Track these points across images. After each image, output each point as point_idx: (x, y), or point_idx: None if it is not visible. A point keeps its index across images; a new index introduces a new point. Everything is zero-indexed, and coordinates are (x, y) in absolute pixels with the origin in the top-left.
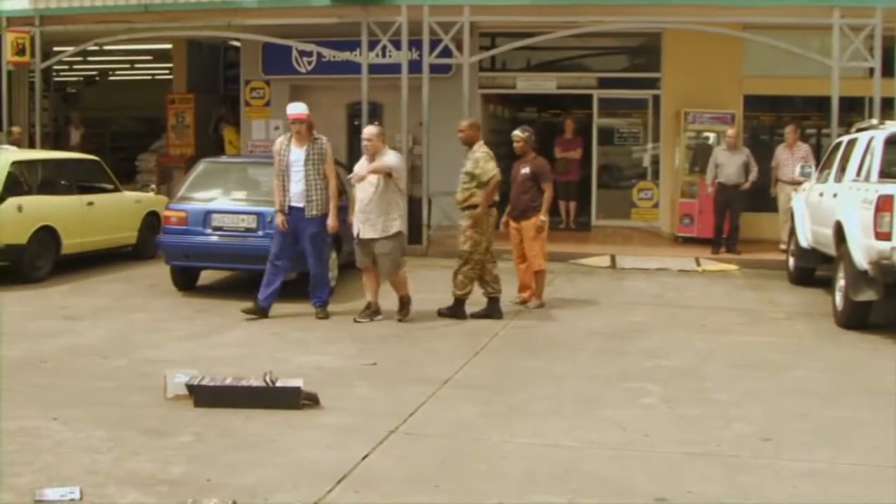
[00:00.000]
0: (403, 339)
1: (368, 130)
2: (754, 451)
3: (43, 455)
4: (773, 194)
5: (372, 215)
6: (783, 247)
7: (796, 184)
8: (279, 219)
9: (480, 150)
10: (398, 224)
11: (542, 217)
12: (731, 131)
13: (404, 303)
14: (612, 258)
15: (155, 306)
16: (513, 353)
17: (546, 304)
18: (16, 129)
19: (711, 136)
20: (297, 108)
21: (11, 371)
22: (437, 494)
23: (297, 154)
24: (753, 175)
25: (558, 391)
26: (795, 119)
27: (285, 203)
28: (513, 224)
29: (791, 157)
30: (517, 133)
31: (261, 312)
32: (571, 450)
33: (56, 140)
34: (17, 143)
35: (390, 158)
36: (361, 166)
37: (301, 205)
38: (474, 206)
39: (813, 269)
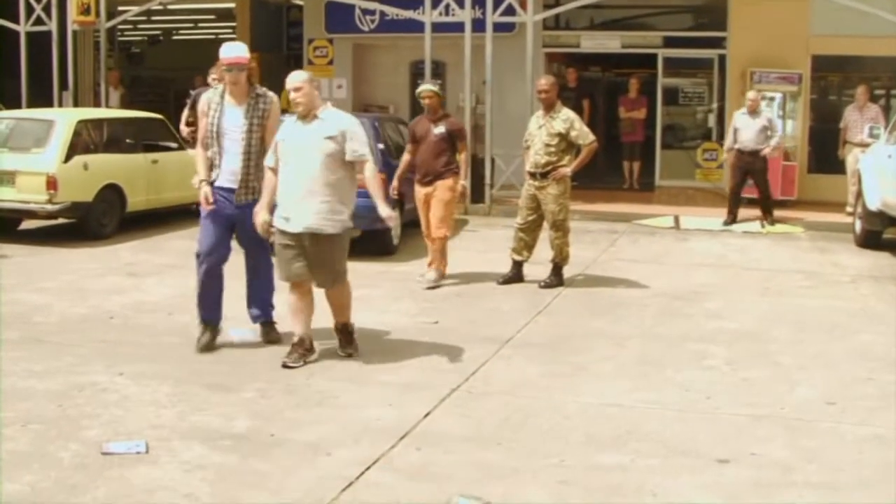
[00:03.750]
0: (465, 299)
1: (297, 78)
2: (818, 414)
3: (110, 409)
4: (840, 156)
5: (317, 199)
6: (850, 209)
7: (864, 145)
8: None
9: (567, 111)
10: (348, 213)
11: (463, 182)
12: (752, 94)
13: (349, 332)
14: (676, 219)
15: None
16: (575, 314)
17: (446, 275)
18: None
19: (777, 96)
20: (235, 50)
21: (79, 327)
22: (498, 452)
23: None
24: (775, 140)
25: (621, 351)
26: (864, 79)
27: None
28: (422, 190)
29: (860, 118)
30: (428, 87)
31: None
32: (634, 410)
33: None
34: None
35: (350, 126)
36: (290, 131)
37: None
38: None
39: (880, 232)
